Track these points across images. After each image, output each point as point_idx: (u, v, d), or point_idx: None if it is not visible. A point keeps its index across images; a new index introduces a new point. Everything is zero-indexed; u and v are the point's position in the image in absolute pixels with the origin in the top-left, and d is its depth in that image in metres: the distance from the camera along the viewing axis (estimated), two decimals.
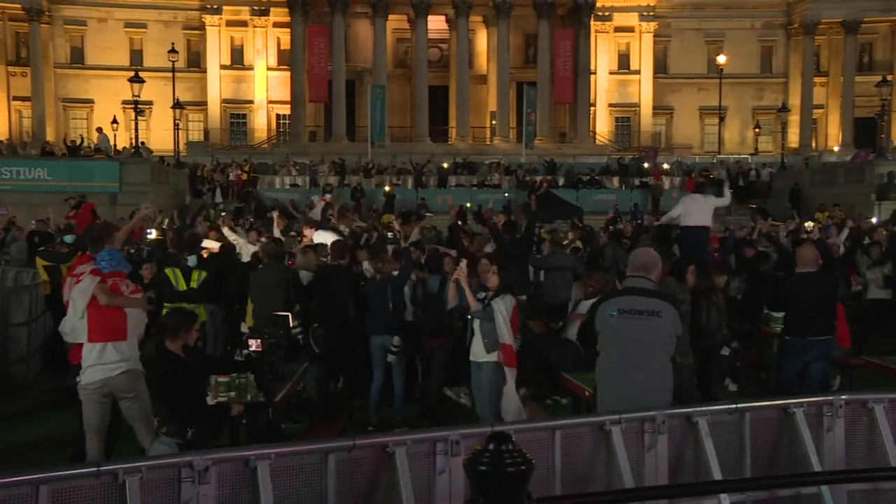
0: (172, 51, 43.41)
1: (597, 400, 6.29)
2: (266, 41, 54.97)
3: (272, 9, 53.87)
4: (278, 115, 55.41)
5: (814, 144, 55.08)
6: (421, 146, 49.65)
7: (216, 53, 54.22)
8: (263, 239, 13.38)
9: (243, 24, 54.66)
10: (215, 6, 53.65)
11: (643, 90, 56.16)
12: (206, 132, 53.95)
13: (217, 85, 54.30)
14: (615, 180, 41.13)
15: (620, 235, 17.37)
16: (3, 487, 3.97)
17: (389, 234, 11.38)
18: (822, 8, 53.90)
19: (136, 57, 52.87)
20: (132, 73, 36.15)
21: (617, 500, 3.56)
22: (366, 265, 10.92)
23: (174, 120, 42.41)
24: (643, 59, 56.06)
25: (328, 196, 21.93)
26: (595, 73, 55.04)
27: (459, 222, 16.75)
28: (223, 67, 54.60)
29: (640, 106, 56.40)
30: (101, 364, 6.96)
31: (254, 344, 7.62)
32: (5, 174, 28.91)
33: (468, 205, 31.36)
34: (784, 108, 46.87)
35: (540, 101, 50.23)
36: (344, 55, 52.20)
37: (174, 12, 54.16)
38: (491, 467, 2.52)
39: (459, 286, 8.64)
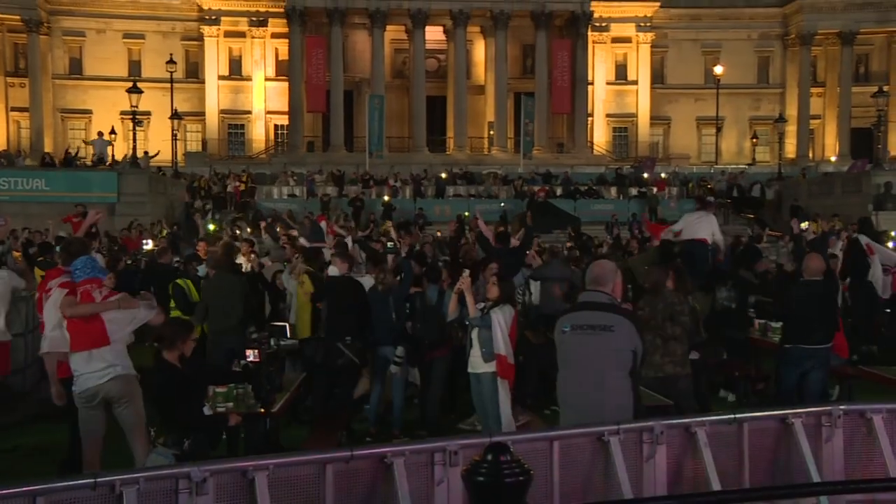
0: (171, 61, 43.51)
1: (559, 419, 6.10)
2: (264, 52, 55.08)
3: (270, 20, 54.00)
4: (276, 126, 55.47)
5: (811, 155, 55.21)
6: (419, 156, 49.72)
7: (214, 64, 54.32)
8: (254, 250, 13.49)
9: (241, 34, 54.78)
10: (213, 17, 53.79)
11: (640, 100, 56.29)
12: (204, 142, 53.99)
13: (215, 95, 54.38)
14: (613, 190, 41.18)
15: (625, 249, 17.29)
16: (0, 499, 3.96)
17: (389, 244, 11.39)
18: (819, 19, 54.16)
19: (135, 68, 52.92)
20: (130, 84, 36.23)
21: None
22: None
23: (172, 130, 42.45)
24: (640, 69, 56.22)
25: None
26: (592, 84, 55.19)
27: (459, 234, 16.72)
28: (221, 78, 54.70)
29: (637, 116, 56.52)
30: (90, 372, 6.95)
31: (251, 354, 7.62)
32: (3, 185, 28.94)
33: (466, 214, 31.40)
34: (781, 119, 47.04)
35: (537, 111, 50.35)
36: (342, 66, 52.32)
37: (172, 23, 54.28)
38: (489, 478, 2.52)
39: (461, 297, 8.63)
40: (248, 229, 21.97)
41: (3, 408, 10.44)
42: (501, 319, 8.31)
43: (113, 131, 44.55)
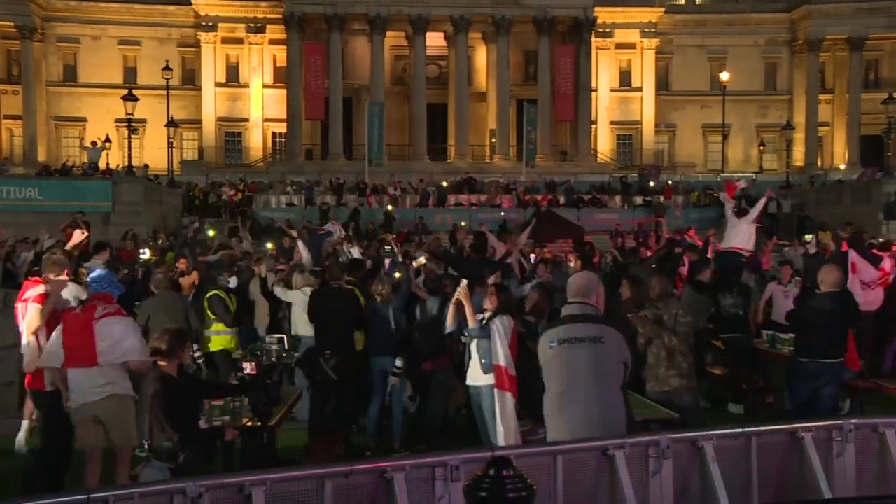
0: (167, 68, 43.62)
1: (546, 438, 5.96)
2: (262, 58, 55.25)
3: (268, 26, 54.19)
4: (274, 133, 55.59)
5: (819, 163, 55.30)
6: (419, 164, 49.80)
7: (211, 71, 54.47)
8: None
9: (239, 41, 54.97)
10: (210, 23, 53.98)
11: (645, 107, 56.41)
12: (201, 150, 54.15)
13: (212, 103, 54.51)
14: (617, 199, 41.23)
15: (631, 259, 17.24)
16: None
17: (387, 248, 11.40)
18: (827, 24, 54.29)
19: (130, 74, 53.11)
20: (126, 91, 36.29)
21: None
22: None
23: (168, 138, 42.56)
24: (645, 76, 56.36)
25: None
26: (596, 91, 55.33)
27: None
28: (218, 85, 54.84)
29: (641, 123, 56.63)
30: (81, 389, 6.98)
31: (248, 366, 7.60)
32: None
33: (463, 224, 31.40)
34: (789, 126, 47.11)
35: (540, 118, 50.45)
36: (341, 72, 52.47)
37: (169, 29, 54.49)
38: (491, 493, 2.51)
39: (459, 308, 8.60)
40: (250, 239, 21.95)
41: None
42: (501, 330, 8.25)
43: (108, 139, 44.63)
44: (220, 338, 10.74)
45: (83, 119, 53.40)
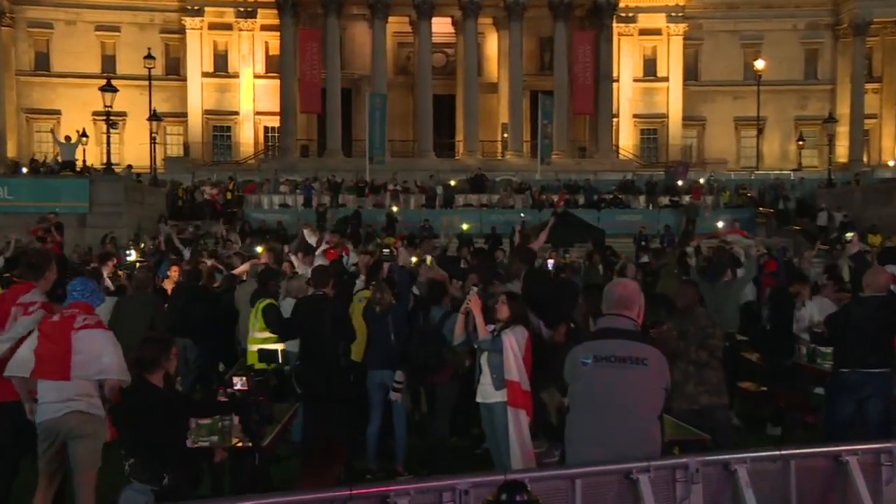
0: (149, 56, 43.72)
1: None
2: (253, 46, 55.39)
3: (259, 10, 54.33)
4: (266, 128, 55.73)
5: (865, 158, 55.10)
6: (424, 162, 49.84)
7: (197, 59, 54.62)
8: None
9: (227, 27, 55.13)
10: (196, 7, 54.14)
11: (672, 99, 56.34)
12: (186, 146, 54.28)
13: (198, 94, 54.67)
14: (641, 199, 41.21)
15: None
16: None
17: (385, 251, 11.40)
18: (874, 6, 53.98)
19: (109, 63, 53.29)
20: (104, 82, 36.43)
21: None
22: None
23: (150, 133, 42.69)
24: (672, 64, 56.29)
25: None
26: (618, 81, 55.27)
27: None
28: (205, 75, 55.01)
29: (668, 117, 56.56)
30: (46, 402, 7.02)
31: (239, 382, 7.62)
32: None
33: (465, 227, 31.44)
34: (831, 119, 46.91)
35: (556, 111, 50.42)
36: (339, 61, 52.57)
37: (151, 14, 54.68)
38: None
39: (468, 317, 8.61)
40: (238, 243, 22.01)
41: None
42: (514, 342, 8.25)
43: (84, 134, 44.67)
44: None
45: (57, 112, 53.52)
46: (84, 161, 38.36)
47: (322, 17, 52.84)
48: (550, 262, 16.78)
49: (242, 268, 13.99)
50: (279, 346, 10.86)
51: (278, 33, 53.22)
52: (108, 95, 34.49)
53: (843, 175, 46.09)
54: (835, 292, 12.58)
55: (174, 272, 14.10)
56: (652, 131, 57.22)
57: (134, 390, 6.81)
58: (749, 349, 12.54)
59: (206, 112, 55.10)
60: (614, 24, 54.25)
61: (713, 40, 56.82)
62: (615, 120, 55.06)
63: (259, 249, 17.25)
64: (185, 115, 54.53)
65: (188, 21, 54.38)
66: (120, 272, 16.35)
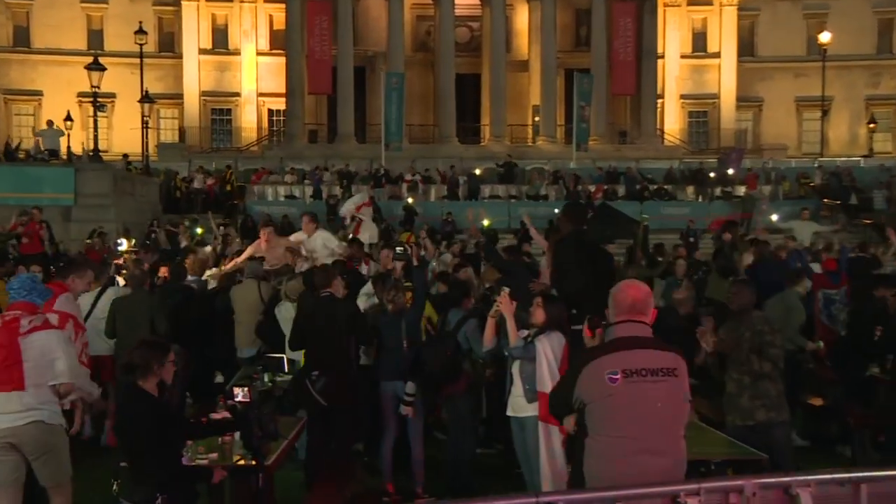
0: (140, 31, 43.92)
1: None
2: (255, 20, 55.62)
3: None
4: (271, 111, 55.94)
5: None
6: (446, 148, 49.88)
7: (194, 35, 54.90)
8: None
9: None
10: None
11: (724, 78, 56.12)
12: (182, 131, 54.55)
13: (195, 74, 54.96)
14: (689, 190, 41.04)
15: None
16: None
17: (399, 249, 11.40)
18: None
19: (95, 39, 53.68)
20: (90, 59, 36.54)
21: None
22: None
23: (142, 116, 42.89)
24: (724, 38, 56.07)
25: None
26: (663, 58, 55.18)
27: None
28: (203, 52, 55.27)
29: (719, 97, 56.36)
30: (3, 413, 7.07)
31: (240, 393, 7.64)
32: None
33: (486, 223, 31.38)
34: None
35: (594, 92, 50.23)
36: (352, 37, 52.65)
37: None
38: None
39: (498, 321, 8.59)
40: (238, 238, 22.09)
41: None
42: (548, 350, 8.22)
43: (69, 117, 45.08)
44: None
45: (38, 93, 53.99)
46: (69, 148, 38.53)
47: None
48: None
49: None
50: (284, 355, 10.95)
51: (284, 5, 53.23)
52: (95, 75, 34.56)
53: None
54: None
55: (163, 272, 14.17)
56: (701, 114, 57.01)
57: (124, 398, 6.84)
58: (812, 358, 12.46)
59: (204, 93, 55.37)
60: None
61: (771, 11, 56.50)
62: (660, 101, 54.97)
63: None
64: (180, 96, 54.85)
65: None
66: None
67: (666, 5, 55.20)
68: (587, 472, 5.52)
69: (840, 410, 11.43)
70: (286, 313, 11.21)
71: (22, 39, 54.87)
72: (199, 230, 25.83)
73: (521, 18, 56.01)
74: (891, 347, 11.20)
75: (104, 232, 26.08)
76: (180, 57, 55.02)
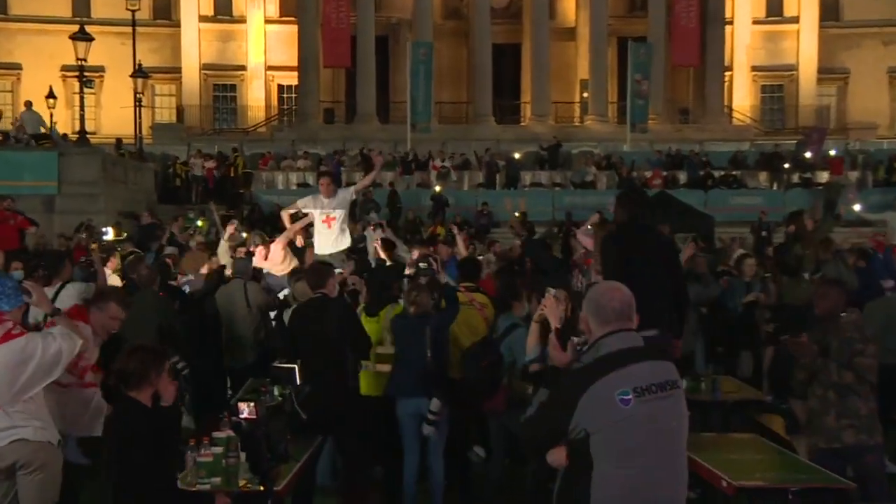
0: None
1: None
2: None
3: None
4: (281, 87, 56.19)
5: None
6: (481, 129, 49.94)
7: (193, 0, 55.13)
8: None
9: None
10: None
11: (803, 46, 55.83)
12: (180, 110, 54.88)
13: (195, 44, 55.24)
14: (762, 176, 40.80)
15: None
16: None
17: (422, 265, 11.34)
18: None
19: (81, 5, 54.04)
20: (76, 28, 36.77)
21: None
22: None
23: (135, 93, 43.09)
24: (803, 1, 55.65)
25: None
26: (731, 24, 54.94)
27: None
28: (203, 20, 55.57)
29: (798, 69, 56.11)
30: None
31: (245, 409, 7.64)
32: None
33: (517, 214, 31.33)
34: None
35: (652, 64, 50.06)
36: (373, 2, 52.71)
37: None
38: None
39: (543, 327, 8.54)
40: (244, 233, 22.16)
41: None
42: None
43: (51, 94, 45.33)
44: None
45: (17, 66, 54.44)
46: (52, 125, 38.69)
47: None
48: None
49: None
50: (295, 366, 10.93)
51: None
52: (82, 46, 34.74)
53: None
54: None
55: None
56: (777, 88, 56.81)
57: (114, 411, 6.86)
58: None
59: (205, 67, 55.69)
60: None
61: None
62: (728, 74, 54.79)
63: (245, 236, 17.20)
64: (178, 70, 55.14)
65: None
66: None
67: None
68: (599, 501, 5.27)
69: None
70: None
71: None
72: (199, 223, 25.91)
73: None
74: None
75: (92, 225, 26.20)
76: (178, 25, 55.30)
